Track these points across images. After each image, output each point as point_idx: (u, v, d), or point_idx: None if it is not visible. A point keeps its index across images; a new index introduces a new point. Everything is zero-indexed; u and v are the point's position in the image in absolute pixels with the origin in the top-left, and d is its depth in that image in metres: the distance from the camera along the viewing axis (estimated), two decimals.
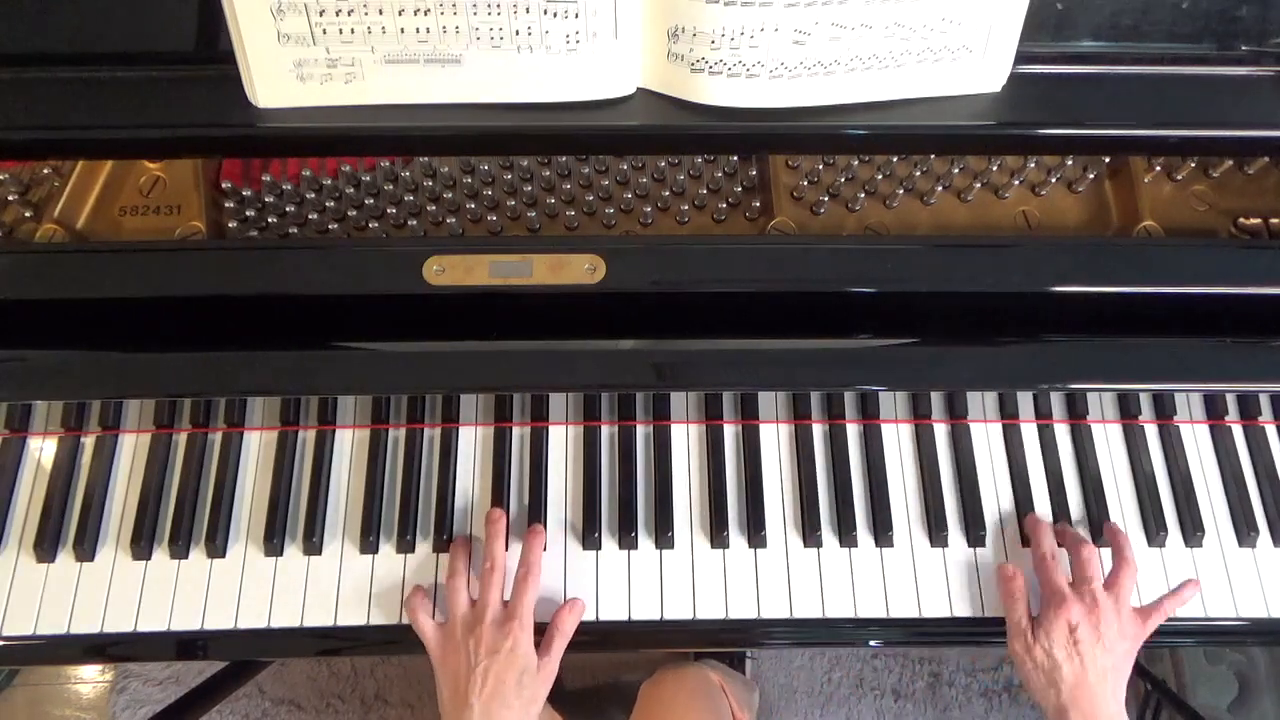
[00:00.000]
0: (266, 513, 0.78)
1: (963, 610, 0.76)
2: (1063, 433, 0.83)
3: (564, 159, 0.81)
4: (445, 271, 0.69)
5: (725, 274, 0.71)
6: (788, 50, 0.68)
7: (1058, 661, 0.68)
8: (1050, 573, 0.73)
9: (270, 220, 0.79)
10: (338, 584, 0.76)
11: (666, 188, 0.81)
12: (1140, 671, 1.33)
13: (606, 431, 0.82)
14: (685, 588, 0.76)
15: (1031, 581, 0.75)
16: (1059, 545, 0.76)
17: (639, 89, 0.73)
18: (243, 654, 0.80)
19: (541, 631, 0.73)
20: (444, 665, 0.70)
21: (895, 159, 0.82)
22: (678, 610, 0.75)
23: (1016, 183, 0.82)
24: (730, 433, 0.81)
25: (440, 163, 0.80)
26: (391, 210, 0.79)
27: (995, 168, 0.82)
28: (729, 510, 0.78)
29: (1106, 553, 0.77)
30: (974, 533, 0.78)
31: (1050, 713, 0.69)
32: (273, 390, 0.77)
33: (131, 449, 0.80)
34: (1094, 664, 0.68)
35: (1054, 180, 0.82)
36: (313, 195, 0.80)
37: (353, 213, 0.79)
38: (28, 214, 0.78)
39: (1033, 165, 0.82)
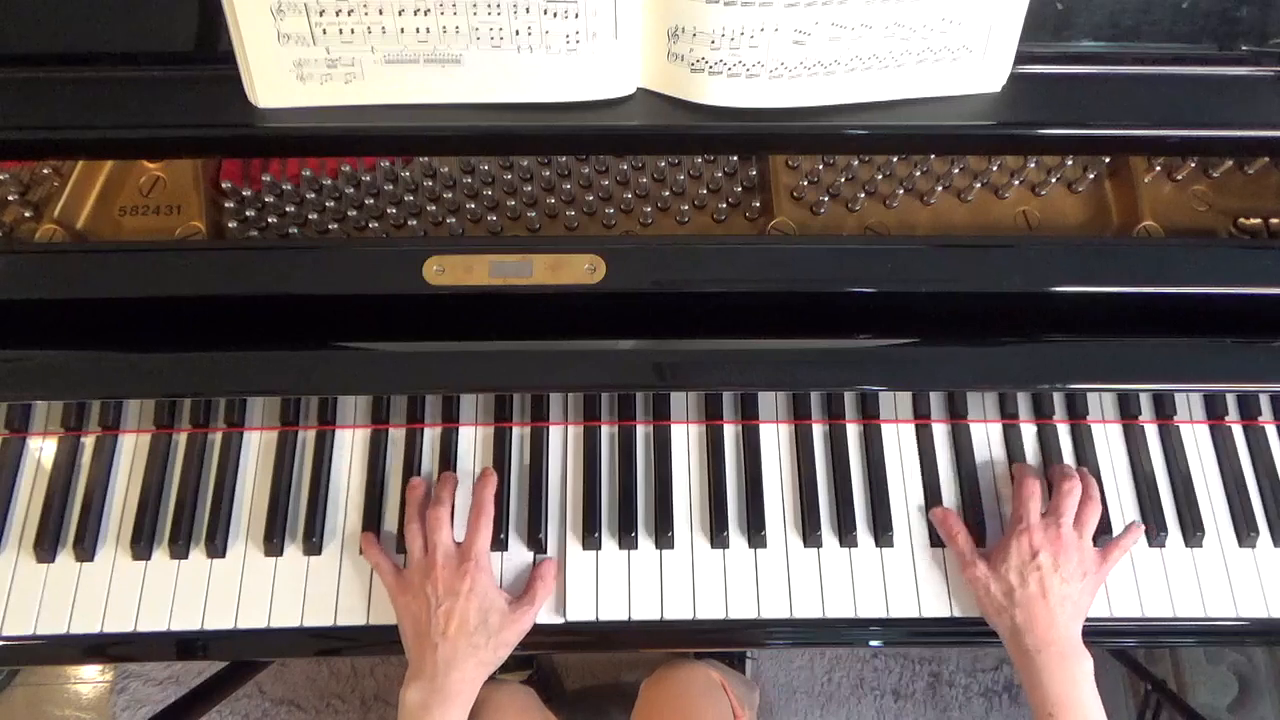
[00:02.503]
0: (266, 513, 0.78)
1: (963, 610, 0.76)
2: (1063, 433, 0.83)
3: (564, 159, 0.81)
4: (445, 271, 0.69)
5: (725, 274, 0.71)
6: (788, 50, 0.68)
7: (1012, 585, 0.69)
8: (1025, 500, 0.74)
9: (270, 220, 0.79)
10: (338, 584, 0.76)
11: (666, 188, 0.81)
12: (1140, 671, 1.33)
13: (606, 431, 0.82)
14: (685, 588, 0.76)
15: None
16: (1058, 473, 0.77)
17: (639, 89, 0.73)
18: (243, 654, 0.80)
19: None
20: (405, 610, 0.71)
21: (895, 159, 0.82)
22: (678, 610, 0.75)
23: (1016, 183, 0.82)
24: (730, 433, 0.81)
25: (440, 163, 0.80)
26: (391, 210, 0.79)
27: (995, 168, 0.82)
28: (729, 510, 0.78)
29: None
30: (975, 533, 0.78)
31: (1005, 635, 0.70)
32: (273, 390, 0.78)
33: (131, 449, 0.80)
34: (1052, 590, 0.69)
35: (1054, 180, 0.82)
36: (313, 195, 0.80)
37: (353, 213, 0.79)
38: (28, 214, 0.78)
39: (1033, 165, 0.82)
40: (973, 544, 0.75)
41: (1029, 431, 0.83)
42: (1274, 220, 0.81)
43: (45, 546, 0.76)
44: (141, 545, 0.76)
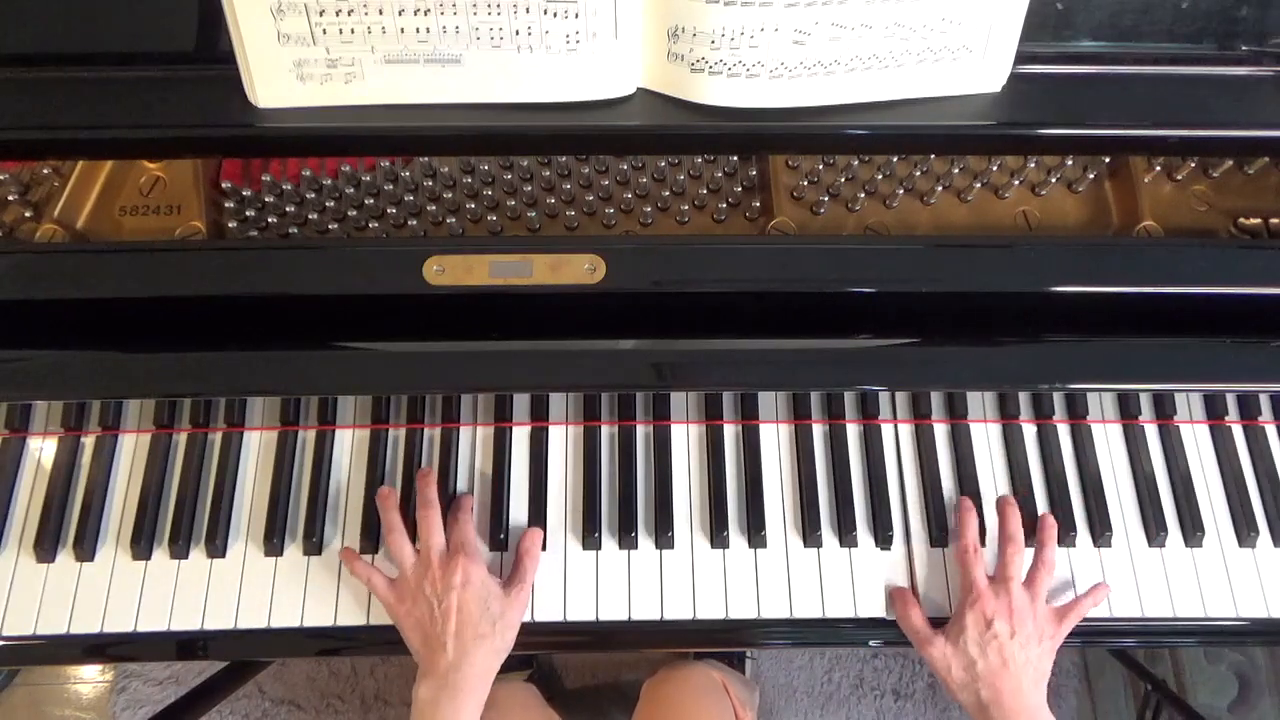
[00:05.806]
0: (266, 513, 0.78)
1: None
2: (1063, 433, 0.83)
3: (564, 159, 0.81)
4: (445, 271, 0.69)
5: (725, 274, 0.71)
6: (788, 50, 0.68)
7: (973, 658, 0.69)
8: (970, 566, 0.73)
9: (270, 220, 0.79)
10: (337, 584, 0.76)
11: (666, 188, 0.81)
12: (1140, 671, 1.33)
13: (606, 431, 0.82)
14: (685, 588, 0.76)
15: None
16: (1003, 528, 0.76)
17: (639, 89, 0.73)
18: (243, 654, 0.80)
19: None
20: (408, 618, 0.70)
21: (895, 159, 0.82)
22: (678, 610, 0.75)
23: (1016, 183, 0.82)
24: (730, 433, 0.81)
25: (440, 163, 0.80)
26: (391, 210, 0.79)
27: (995, 168, 0.82)
28: (729, 510, 0.78)
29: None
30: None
31: (972, 710, 0.69)
32: (273, 390, 0.77)
33: (131, 449, 0.80)
34: (1013, 658, 0.68)
35: (1054, 180, 0.82)
36: (313, 195, 0.80)
37: (353, 213, 0.79)
38: (28, 214, 0.78)
39: (1033, 165, 0.82)
40: (927, 620, 0.73)
41: (1029, 431, 0.83)
42: (1274, 220, 0.81)
43: (45, 546, 0.76)
44: (141, 545, 0.76)
